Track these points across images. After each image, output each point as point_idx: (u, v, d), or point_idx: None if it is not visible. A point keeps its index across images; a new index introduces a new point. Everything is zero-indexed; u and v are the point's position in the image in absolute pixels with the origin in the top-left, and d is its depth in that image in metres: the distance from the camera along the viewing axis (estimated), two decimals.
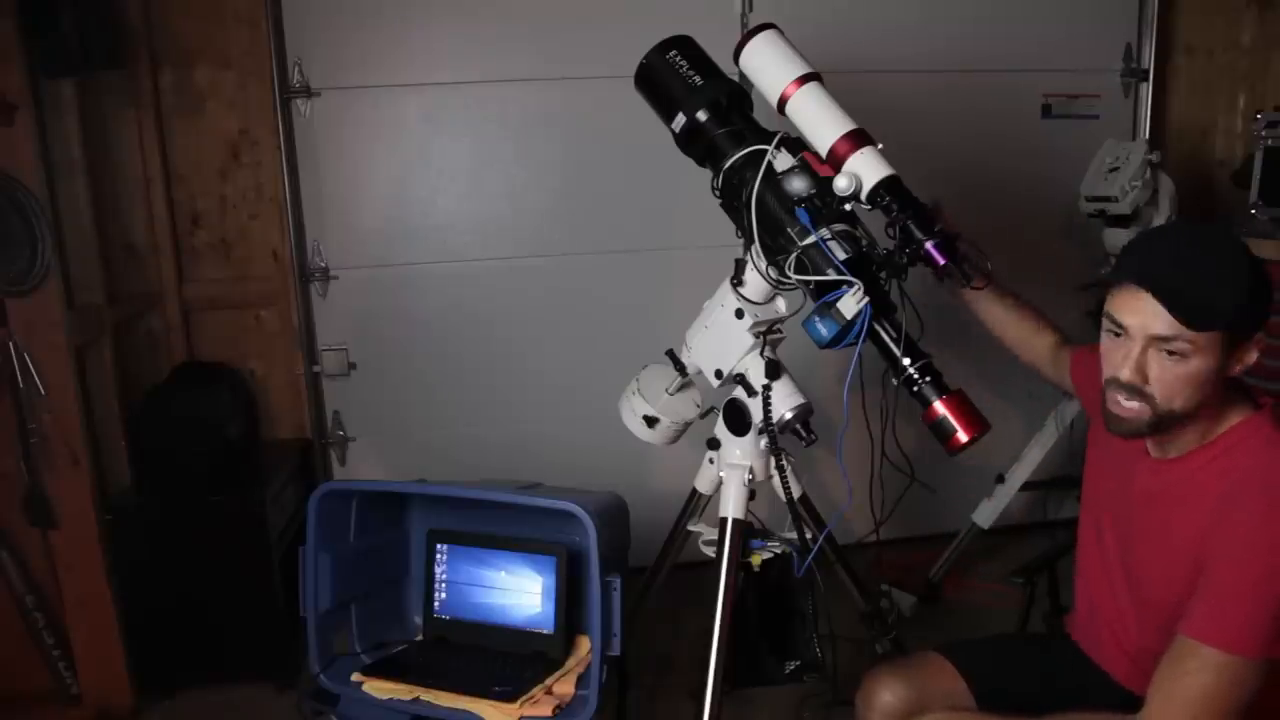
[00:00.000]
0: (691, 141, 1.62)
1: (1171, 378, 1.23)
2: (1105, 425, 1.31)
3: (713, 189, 1.61)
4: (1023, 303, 1.73)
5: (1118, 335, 1.26)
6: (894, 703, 1.49)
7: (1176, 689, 1.19)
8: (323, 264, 2.83)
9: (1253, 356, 1.24)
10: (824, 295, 1.42)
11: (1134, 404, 1.26)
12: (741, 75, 1.60)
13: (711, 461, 1.75)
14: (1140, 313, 1.22)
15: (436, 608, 1.87)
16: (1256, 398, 1.33)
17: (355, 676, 1.72)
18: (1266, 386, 1.39)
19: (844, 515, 1.65)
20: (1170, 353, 1.21)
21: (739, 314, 1.62)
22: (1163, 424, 1.27)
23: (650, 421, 1.75)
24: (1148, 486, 1.37)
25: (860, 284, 1.38)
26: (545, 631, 1.79)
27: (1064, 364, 1.66)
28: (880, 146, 1.45)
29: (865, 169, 1.42)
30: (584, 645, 1.78)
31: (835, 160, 1.45)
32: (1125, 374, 1.24)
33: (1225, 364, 1.24)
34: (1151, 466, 1.37)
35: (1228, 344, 1.22)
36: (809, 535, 1.68)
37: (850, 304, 1.39)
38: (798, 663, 1.74)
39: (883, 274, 1.42)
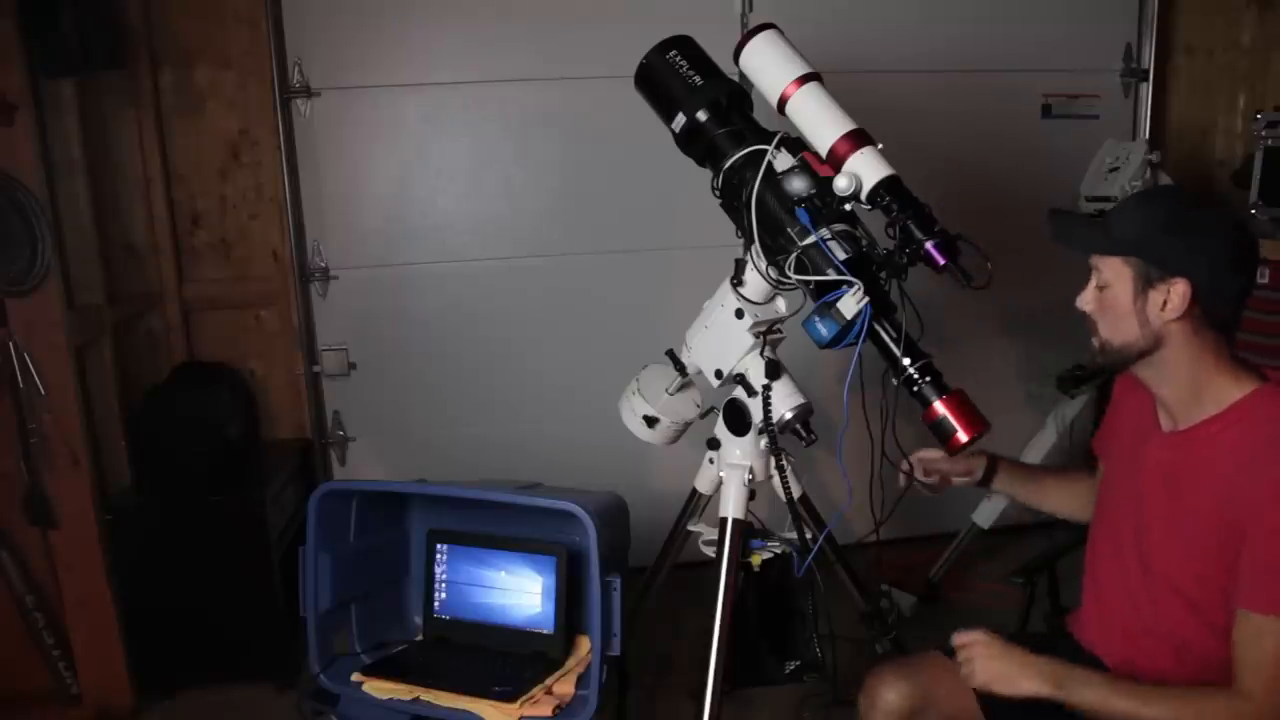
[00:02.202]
0: (691, 141, 1.62)
1: (1098, 307, 1.37)
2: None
3: (713, 189, 1.61)
4: (1040, 470, 1.75)
5: None
6: (898, 701, 1.49)
7: (1264, 659, 1.23)
8: (323, 264, 2.83)
9: (1175, 303, 1.29)
10: (824, 295, 1.42)
11: (1094, 336, 1.40)
12: (741, 75, 1.60)
13: (711, 461, 1.74)
14: None
15: (436, 608, 1.87)
16: (1264, 372, 1.36)
17: (355, 676, 1.72)
18: (1269, 363, 1.43)
19: (844, 515, 1.65)
20: (1099, 287, 1.36)
21: (739, 314, 1.62)
22: (1109, 356, 1.38)
23: (650, 421, 1.75)
24: (1160, 460, 1.40)
25: (860, 284, 1.38)
26: (545, 631, 1.78)
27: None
28: (880, 146, 1.45)
29: (865, 169, 1.41)
30: (584, 645, 1.78)
31: (835, 160, 1.44)
32: (1078, 302, 1.40)
33: (1144, 301, 1.31)
34: (1163, 441, 1.40)
35: (1141, 279, 1.31)
36: (809, 535, 1.68)
37: (850, 304, 1.39)
38: (798, 663, 1.74)
39: (883, 274, 1.42)
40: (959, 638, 1.42)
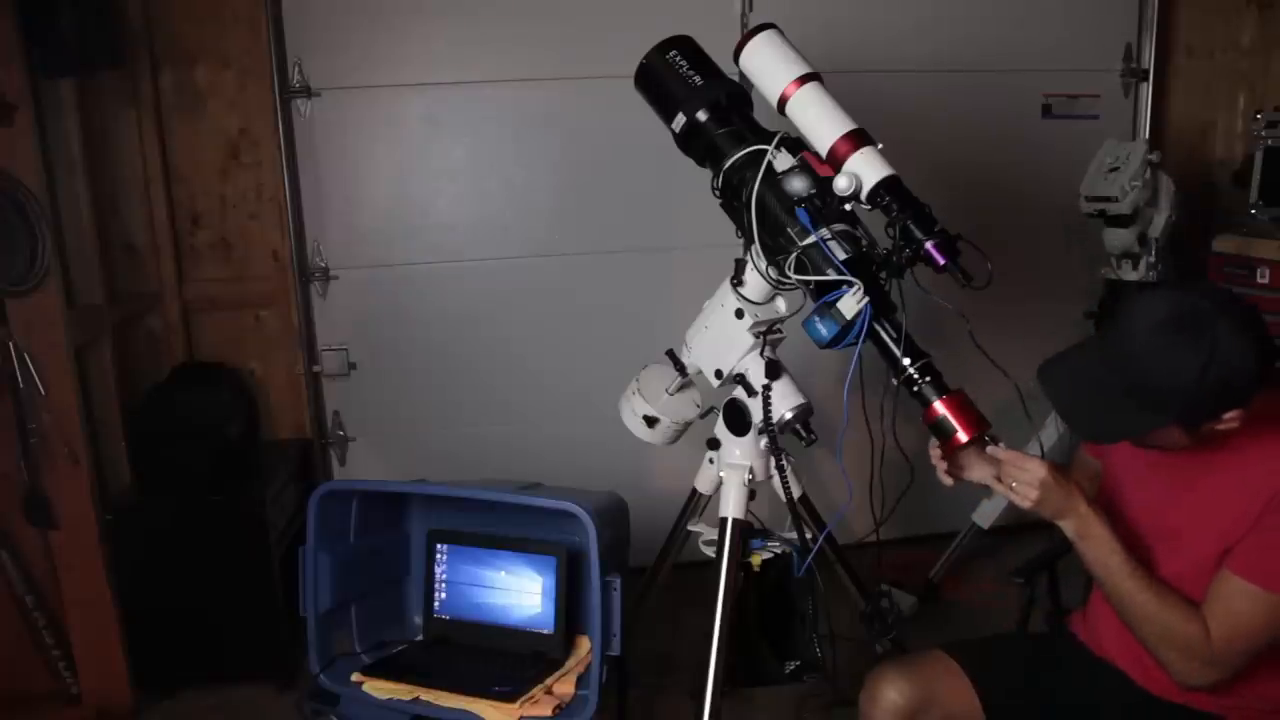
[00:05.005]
0: (691, 142, 1.62)
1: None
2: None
3: (713, 189, 1.61)
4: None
5: None
6: (899, 701, 1.49)
7: (1232, 617, 1.29)
8: (323, 264, 2.83)
9: (1229, 423, 1.27)
10: (824, 295, 1.42)
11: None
12: (741, 75, 1.60)
13: (711, 461, 1.74)
14: None
15: (436, 608, 1.87)
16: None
17: (355, 676, 1.72)
18: None
19: (844, 515, 1.65)
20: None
21: (739, 314, 1.62)
22: (1196, 441, 1.33)
23: (650, 421, 1.75)
24: (1179, 452, 1.40)
25: (860, 284, 1.38)
26: (545, 631, 1.78)
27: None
28: (880, 146, 1.45)
29: (865, 169, 1.42)
30: (584, 645, 1.78)
31: (835, 160, 1.45)
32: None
33: (1203, 430, 1.29)
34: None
35: (1190, 426, 1.29)
36: (809, 535, 1.68)
37: (850, 304, 1.39)
38: (798, 663, 1.74)
39: (883, 274, 1.42)
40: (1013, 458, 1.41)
